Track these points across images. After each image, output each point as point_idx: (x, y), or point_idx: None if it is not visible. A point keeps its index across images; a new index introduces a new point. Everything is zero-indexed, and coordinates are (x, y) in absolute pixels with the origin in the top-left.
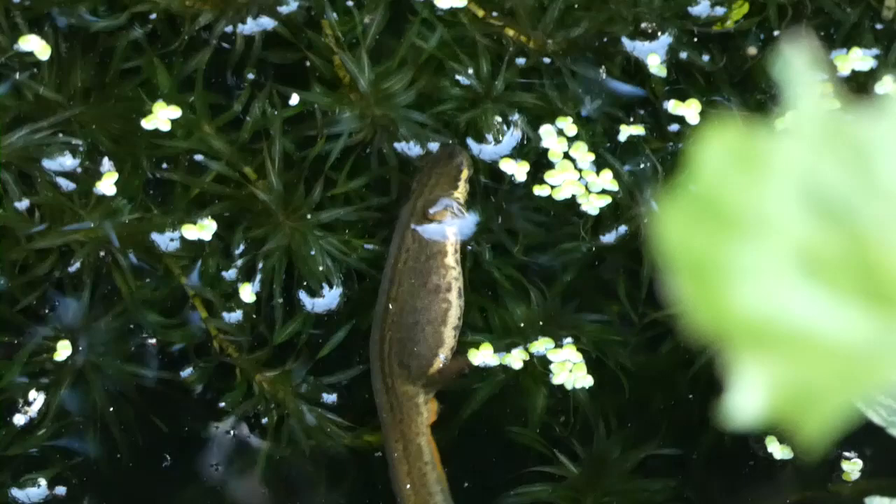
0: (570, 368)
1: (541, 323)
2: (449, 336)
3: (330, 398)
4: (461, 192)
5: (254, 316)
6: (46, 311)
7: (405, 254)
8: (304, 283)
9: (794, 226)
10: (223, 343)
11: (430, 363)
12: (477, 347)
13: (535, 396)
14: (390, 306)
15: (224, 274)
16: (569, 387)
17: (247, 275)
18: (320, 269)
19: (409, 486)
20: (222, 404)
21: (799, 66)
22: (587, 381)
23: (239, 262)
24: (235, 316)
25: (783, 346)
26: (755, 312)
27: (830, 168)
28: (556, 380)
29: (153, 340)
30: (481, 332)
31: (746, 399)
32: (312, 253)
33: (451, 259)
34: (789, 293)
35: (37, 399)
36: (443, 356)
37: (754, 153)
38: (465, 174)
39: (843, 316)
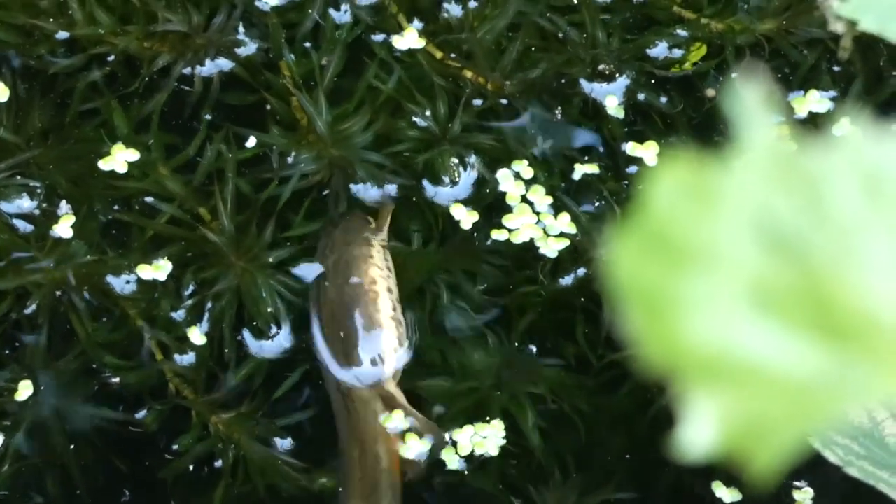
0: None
1: (498, 366)
2: (388, 324)
3: (284, 442)
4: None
5: (199, 355)
6: (4, 351)
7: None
8: (254, 324)
9: (745, 259)
10: (178, 385)
11: (380, 357)
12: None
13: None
14: (323, 313)
15: (173, 315)
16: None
17: (197, 316)
18: (269, 310)
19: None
20: (175, 447)
21: (751, 99)
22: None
23: (188, 303)
24: (189, 358)
25: (735, 379)
26: (706, 345)
27: (782, 201)
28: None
29: (116, 379)
30: (440, 374)
31: (698, 432)
32: (264, 295)
33: (377, 261)
34: (741, 326)
35: None
36: (391, 350)
37: (706, 187)
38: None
39: (795, 349)
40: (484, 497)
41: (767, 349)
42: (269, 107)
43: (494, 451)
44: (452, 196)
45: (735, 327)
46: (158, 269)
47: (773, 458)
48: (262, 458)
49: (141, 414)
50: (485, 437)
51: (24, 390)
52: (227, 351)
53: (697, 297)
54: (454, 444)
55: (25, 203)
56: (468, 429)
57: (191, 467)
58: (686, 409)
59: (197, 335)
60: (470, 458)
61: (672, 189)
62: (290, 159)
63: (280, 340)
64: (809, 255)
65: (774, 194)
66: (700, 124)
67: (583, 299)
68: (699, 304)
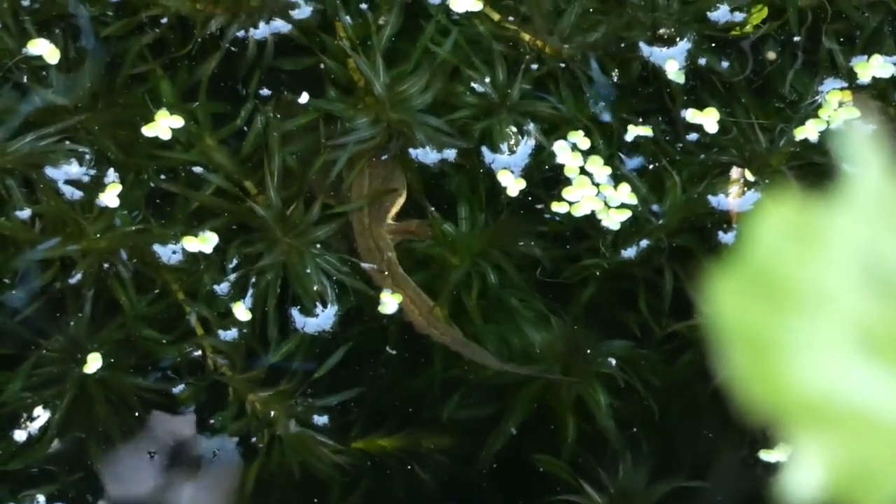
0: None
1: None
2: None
3: (322, 419)
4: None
5: (243, 332)
6: (47, 322)
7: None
8: (299, 302)
9: (851, 301)
10: (216, 361)
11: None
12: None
13: (566, 426)
14: None
15: (216, 288)
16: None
17: (240, 291)
18: (315, 287)
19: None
20: (212, 422)
21: (858, 140)
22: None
23: (232, 277)
24: (230, 334)
25: (841, 423)
26: (811, 389)
27: (889, 243)
28: None
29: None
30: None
31: (804, 475)
32: (308, 271)
33: None
34: (846, 370)
35: (40, 416)
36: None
37: (811, 228)
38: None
39: None
40: (554, 480)
41: (874, 393)
42: (322, 66)
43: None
44: (509, 164)
45: (841, 371)
46: (204, 242)
47: (880, 503)
48: (297, 437)
49: (179, 388)
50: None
51: (67, 362)
52: (270, 328)
53: (802, 340)
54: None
55: (73, 168)
56: None
57: (218, 449)
58: (793, 451)
59: (242, 311)
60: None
61: (777, 230)
62: (339, 126)
63: (324, 318)
64: None
65: (881, 236)
66: (761, 88)
67: (644, 270)
68: (804, 347)
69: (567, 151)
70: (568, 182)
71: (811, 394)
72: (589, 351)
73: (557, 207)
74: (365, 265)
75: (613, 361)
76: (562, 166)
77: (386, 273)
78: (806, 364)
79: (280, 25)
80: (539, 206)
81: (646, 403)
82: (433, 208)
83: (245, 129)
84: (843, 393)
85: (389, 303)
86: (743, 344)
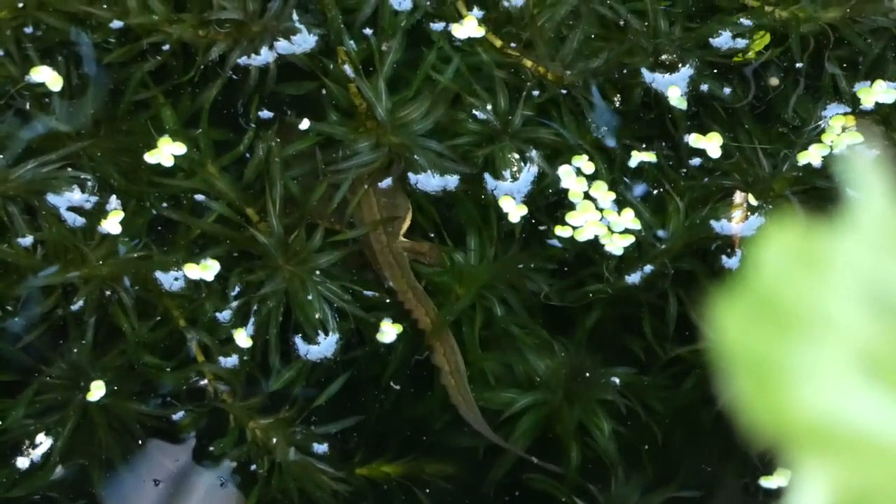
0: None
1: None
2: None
3: (322, 447)
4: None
5: (244, 358)
6: (50, 349)
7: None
8: (301, 329)
9: (855, 326)
10: (217, 388)
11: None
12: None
13: (569, 452)
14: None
15: (218, 316)
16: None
17: (241, 318)
18: (317, 315)
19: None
20: (212, 448)
21: (862, 167)
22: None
23: (234, 305)
24: (231, 361)
25: (845, 447)
26: (815, 413)
27: (892, 267)
28: None
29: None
30: (506, 387)
31: (808, 500)
32: (310, 298)
33: None
34: (851, 394)
35: (42, 443)
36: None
37: (815, 253)
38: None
39: None
40: (545, 498)
41: (877, 417)
42: (324, 90)
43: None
44: (511, 191)
45: (844, 395)
46: (206, 269)
47: None
48: (298, 464)
49: (179, 415)
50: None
51: (69, 389)
52: (272, 355)
53: (807, 365)
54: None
55: (76, 195)
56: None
57: (221, 475)
58: (796, 476)
59: (243, 338)
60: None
61: (781, 255)
62: (341, 151)
63: (326, 346)
64: None
65: (884, 261)
66: (763, 113)
67: (648, 295)
68: (809, 372)
69: (571, 176)
70: (571, 207)
71: (815, 418)
72: (591, 377)
73: (561, 232)
74: (388, 282)
75: (617, 380)
76: (565, 191)
77: (407, 289)
78: (810, 388)
79: (282, 50)
80: (541, 230)
81: (649, 429)
82: (433, 234)
83: (247, 155)
84: (846, 417)
85: (388, 332)
86: (747, 368)
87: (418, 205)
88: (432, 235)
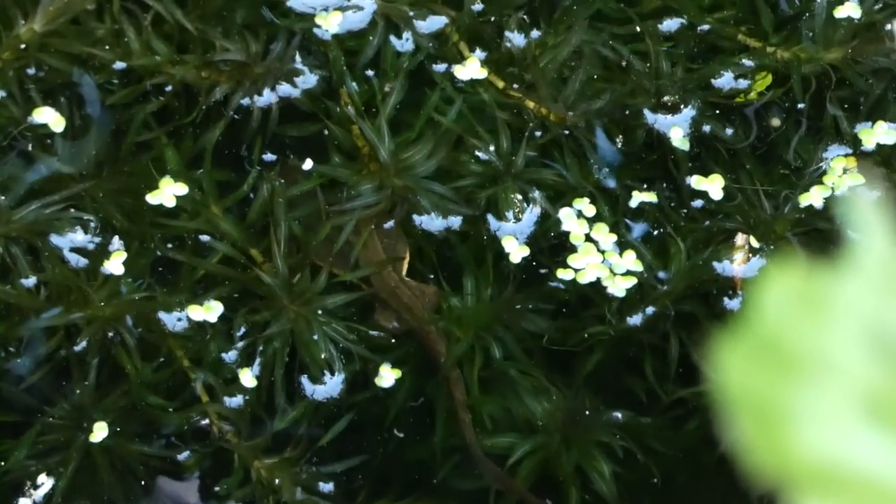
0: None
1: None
2: None
3: (327, 486)
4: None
5: (245, 398)
6: (52, 389)
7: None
8: (306, 370)
9: (858, 369)
10: (222, 428)
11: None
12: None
13: (569, 495)
14: None
15: (224, 356)
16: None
17: (247, 358)
18: (322, 356)
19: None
20: (217, 489)
21: (863, 209)
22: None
23: (240, 345)
24: (236, 401)
25: (847, 490)
26: (818, 455)
27: (894, 310)
28: None
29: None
30: (504, 431)
31: None
32: (315, 338)
33: None
34: (853, 437)
35: (44, 483)
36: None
37: (817, 295)
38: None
39: None
40: None
41: (879, 460)
42: (326, 132)
43: None
44: (515, 232)
45: (847, 438)
46: (209, 311)
47: None
48: (303, 503)
49: (184, 455)
50: None
51: (72, 430)
52: (277, 395)
53: (809, 407)
54: None
55: (79, 236)
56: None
57: None
58: None
59: (248, 378)
60: None
61: (783, 297)
62: (345, 192)
63: (331, 386)
64: None
65: (886, 303)
66: (765, 154)
67: (648, 336)
68: (810, 414)
69: (573, 218)
70: (573, 249)
71: (817, 460)
72: (588, 419)
73: (563, 274)
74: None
75: (620, 416)
76: (567, 233)
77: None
78: (811, 430)
79: (285, 92)
80: (543, 272)
81: (650, 470)
82: (431, 276)
83: (251, 196)
84: (848, 459)
85: (387, 376)
86: (749, 410)
87: (418, 246)
88: (431, 277)
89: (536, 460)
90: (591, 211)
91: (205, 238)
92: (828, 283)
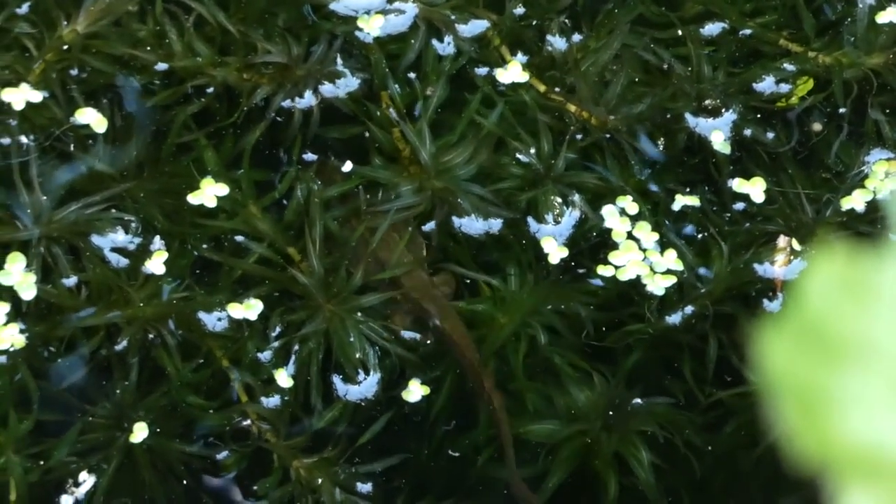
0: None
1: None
2: None
3: (366, 486)
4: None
5: (284, 398)
6: (94, 389)
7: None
8: (342, 369)
9: None
10: (260, 428)
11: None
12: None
13: (608, 484)
14: None
15: (259, 355)
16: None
17: (283, 358)
18: (357, 355)
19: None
20: (256, 488)
21: None
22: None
23: (275, 345)
24: (273, 401)
25: (890, 476)
26: (862, 442)
27: None
28: None
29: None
30: (546, 418)
31: None
32: (351, 339)
33: None
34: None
35: (86, 481)
36: None
37: (862, 282)
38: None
39: None
40: None
41: None
42: (367, 134)
43: None
44: (554, 234)
45: (891, 423)
46: (250, 308)
47: None
48: (342, 503)
49: (223, 455)
50: None
51: (113, 429)
52: (313, 395)
53: (853, 393)
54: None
55: (119, 237)
56: None
57: None
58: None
59: (284, 377)
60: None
61: (827, 284)
62: (381, 194)
63: (366, 386)
64: None
65: None
66: (806, 158)
67: (689, 336)
68: (854, 400)
69: (615, 216)
70: (615, 246)
71: (861, 446)
72: (631, 408)
73: (603, 271)
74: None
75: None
76: (607, 232)
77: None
78: (856, 416)
79: (326, 94)
80: (582, 272)
81: (687, 466)
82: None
83: (286, 197)
84: (892, 445)
85: (415, 391)
86: (793, 396)
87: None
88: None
89: (575, 447)
90: (633, 209)
91: (242, 238)
92: (871, 271)
